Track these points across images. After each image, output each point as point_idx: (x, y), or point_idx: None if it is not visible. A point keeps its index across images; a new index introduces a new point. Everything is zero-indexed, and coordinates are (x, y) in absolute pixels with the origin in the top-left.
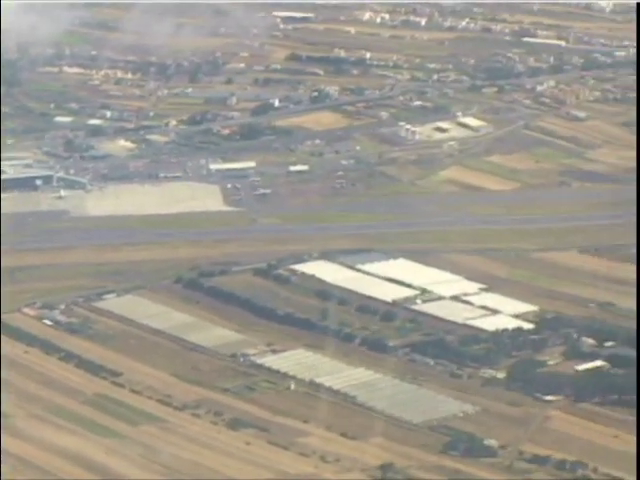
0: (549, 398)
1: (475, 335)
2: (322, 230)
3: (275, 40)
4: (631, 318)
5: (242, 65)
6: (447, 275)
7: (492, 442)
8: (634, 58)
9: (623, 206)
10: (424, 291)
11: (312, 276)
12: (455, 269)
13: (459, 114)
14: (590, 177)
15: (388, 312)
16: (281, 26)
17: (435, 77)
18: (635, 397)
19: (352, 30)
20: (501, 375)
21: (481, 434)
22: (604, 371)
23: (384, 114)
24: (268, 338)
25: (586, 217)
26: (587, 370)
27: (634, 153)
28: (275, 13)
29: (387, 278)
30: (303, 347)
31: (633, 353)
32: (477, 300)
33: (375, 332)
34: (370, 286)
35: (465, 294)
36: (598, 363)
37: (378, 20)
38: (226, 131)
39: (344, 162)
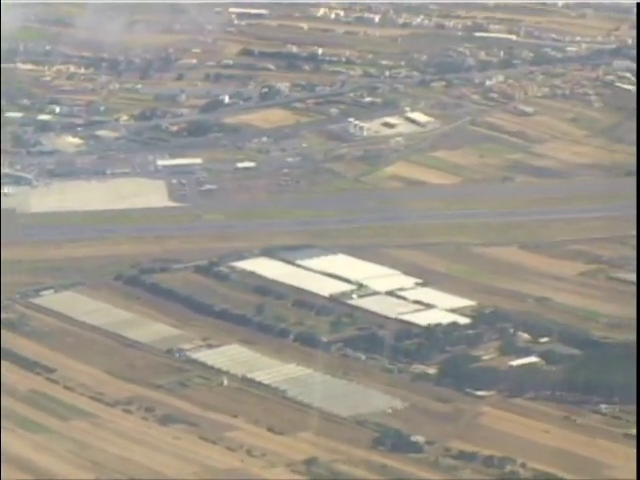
0: (481, 394)
1: (408, 330)
2: (265, 226)
3: (229, 36)
4: (568, 313)
5: (194, 61)
6: (385, 270)
7: (419, 438)
8: (585, 53)
9: (566, 202)
10: (360, 286)
11: (252, 273)
12: (393, 264)
13: (407, 109)
14: (535, 172)
15: (324, 307)
16: (235, 22)
17: (387, 73)
18: (566, 392)
19: (305, 26)
20: (432, 370)
21: (408, 430)
22: (538, 367)
23: (334, 110)
24: (204, 333)
25: (528, 212)
26: (521, 366)
27: (581, 148)
28: (231, 9)
29: (325, 273)
30: (238, 342)
31: (567, 349)
32: (412, 295)
33: (310, 327)
34: (308, 281)
35: (401, 289)
36: (532, 359)
37: (332, 16)
38: (175, 128)
39: (290, 159)
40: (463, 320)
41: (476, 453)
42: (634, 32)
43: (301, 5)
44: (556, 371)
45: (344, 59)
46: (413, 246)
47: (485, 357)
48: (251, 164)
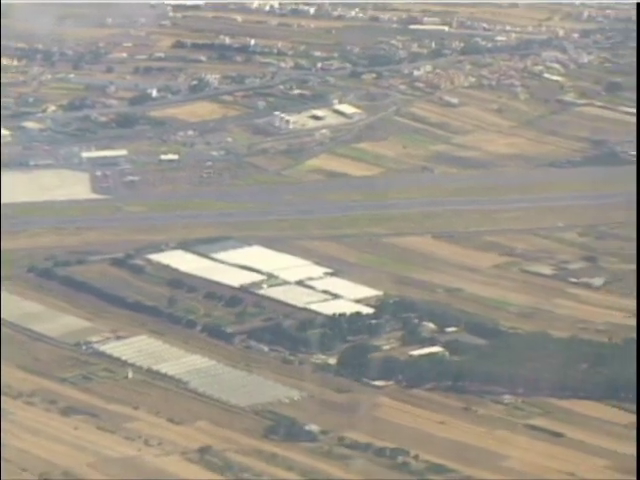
0: (379, 384)
1: (312, 320)
2: (185, 218)
3: (162, 29)
4: (478, 304)
5: (125, 54)
6: (297, 260)
7: (313, 427)
8: (514, 43)
9: (485, 193)
10: (271, 276)
11: (167, 266)
12: (306, 255)
13: (335, 101)
14: (455, 163)
15: (234, 298)
16: (170, 14)
17: (319, 65)
18: (468, 383)
19: (239, 18)
20: (333, 361)
21: (303, 420)
22: (439, 357)
23: (261, 104)
24: (114, 325)
25: (445, 203)
26: (422, 356)
27: (503, 139)
28: (166, 2)
29: (239, 265)
30: (146, 334)
31: (472, 339)
32: (321, 285)
33: (217, 318)
34: (221, 273)
35: (310, 279)
36: (434, 349)
37: (267, 8)
38: (103, 119)
39: (214, 153)
40: (367, 310)
41: (369, 443)
42: (565, 23)
43: None
44: (459, 361)
45: (276, 51)
46: (327, 237)
47: (386, 347)
48: (175, 157)
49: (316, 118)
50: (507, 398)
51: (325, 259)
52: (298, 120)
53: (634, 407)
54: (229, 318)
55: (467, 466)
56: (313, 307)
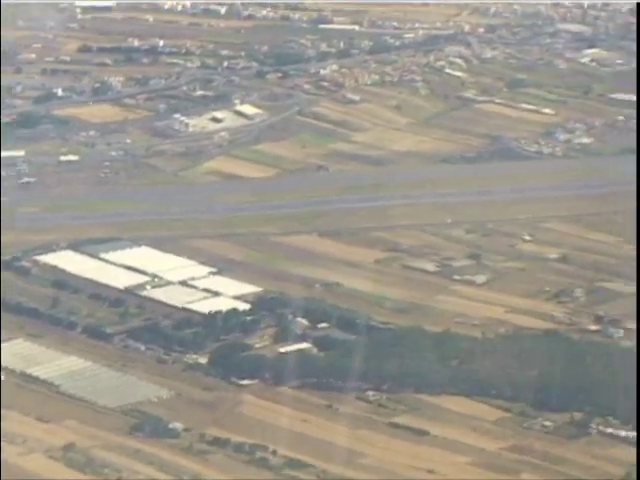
0: (245, 382)
1: (189, 319)
2: (78, 219)
3: (71, 32)
4: (355, 299)
5: (33, 56)
6: (182, 261)
7: (177, 425)
8: (421, 40)
9: (377, 190)
10: (155, 277)
11: (54, 267)
12: (192, 255)
13: (237, 102)
14: (351, 160)
15: (117, 299)
16: (79, 17)
17: (225, 64)
18: (334, 379)
19: (151, 18)
20: (204, 359)
21: (168, 418)
22: (307, 354)
23: (162, 106)
24: None
25: (336, 201)
26: (290, 353)
27: (400, 136)
28: (76, 4)
29: (126, 266)
30: (24, 337)
31: (343, 335)
32: (203, 284)
33: (99, 319)
34: (107, 274)
35: (193, 278)
36: (303, 345)
37: (179, 8)
38: (6, 119)
39: (113, 153)
40: (244, 306)
41: (229, 439)
42: (473, 18)
43: None
44: (326, 358)
45: (184, 51)
46: (217, 237)
47: (258, 345)
48: (74, 157)
49: (216, 120)
50: (372, 395)
51: (212, 258)
52: (198, 123)
53: (503, 403)
54: (111, 319)
55: (324, 462)
56: (192, 306)
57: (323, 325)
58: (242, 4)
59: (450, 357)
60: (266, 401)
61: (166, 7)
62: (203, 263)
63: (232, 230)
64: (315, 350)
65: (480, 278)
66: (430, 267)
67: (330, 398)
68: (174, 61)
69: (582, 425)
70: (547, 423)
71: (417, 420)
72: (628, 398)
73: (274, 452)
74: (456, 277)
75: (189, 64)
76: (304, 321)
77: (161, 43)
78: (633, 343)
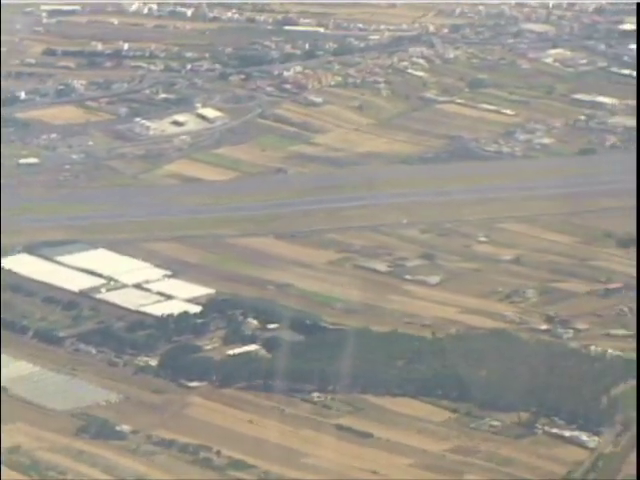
0: (193, 384)
1: (142, 321)
2: (36, 222)
3: (36, 35)
4: (306, 299)
5: None
6: (138, 263)
7: (124, 427)
8: (386, 41)
9: (334, 191)
10: (111, 280)
11: (9, 270)
12: (149, 257)
13: (199, 105)
14: (311, 162)
15: (71, 302)
16: (44, 20)
17: (189, 67)
18: (280, 381)
19: (116, 21)
20: (154, 362)
21: (116, 420)
22: (255, 355)
23: (124, 109)
24: None
25: (292, 203)
26: (238, 355)
27: (360, 137)
28: (42, 7)
29: (82, 269)
30: None
31: (292, 336)
32: (157, 286)
33: (52, 323)
34: (62, 277)
35: (148, 281)
36: (251, 347)
37: (145, 10)
38: None
39: (74, 156)
40: (196, 309)
41: (174, 440)
42: (438, 19)
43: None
44: (274, 359)
45: (148, 53)
46: (174, 239)
47: (208, 347)
48: (35, 160)
49: (177, 124)
50: (317, 396)
51: (167, 261)
52: (159, 126)
53: (450, 404)
54: (64, 322)
55: (267, 462)
56: (145, 309)
57: (273, 326)
58: (208, 6)
59: (397, 358)
60: (213, 402)
61: (132, 10)
62: (159, 266)
63: (189, 232)
64: (263, 351)
65: (433, 278)
66: (382, 267)
67: (276, 399)
68: (138, 64)
69: (528, 425)
70: (494, 423)
71: (361, 421)
72: (573, 398)
73: (218, 453)
74: (408, 277)
75: (152, 67)
76: (254, 322)
77: (125, 46)
78: (581, 343)
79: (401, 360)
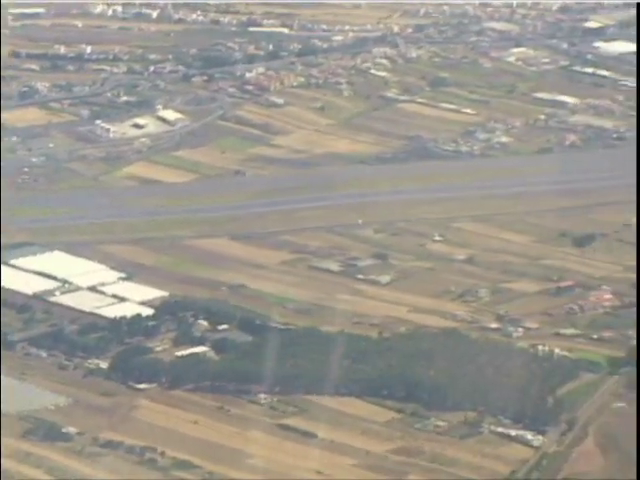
0: (142, 386)
1: (95, 324)
2: None
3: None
4: (259, 300)
5: None
6: (94, 265)
7: (71, 429)
8: (350, 42)
9: (290, 192)
10: (65, 282)
11: None
12: (104, 259)
13: (159, 108)
14: (269, 164)
15: (24, 306)
16: (10, 24)
17: (152, 69)
18: (227, 382)
19: (80, 24)
20: (105, 365)
21: (63, 423)
22: (204, 357)
23: (86, 112)
24: None
25: (249, 205)
26: (186, 356)
27: (321, 138)
28: (10, 10)
29: (36, 272)
30: None
31: (242, 337)
32: (112, 289)
33: (4, 326)
34: (17, 280)
35: (103, 284)
36: (199, 348)
37: (110, 12)
38: None
39: (34, 159)
40: (148, 311)
41: (121, 442)
42: (403, 19)
43: (78, 1)
44: (222, 360)
45: (112, 56)
46: (131, 241)
47: (159, 348)
48: None
49: (137, 126)
50: (263, 397)
51: (122, 263)
52: (119, 129)
53: (395, 404)
54: (16, 325)
55: (212, 463)
56: (99, 311)
57: (223, 327)
58: (173, 7)
59: (343, 358)
60: (160, 404)
61: (96, 12)
62: (114, 268)
63: (146, 234)
64: (212, 353)
65: (384, 278)
66: (335, 267)
67: (222, 400)
68: (101, 67)
69: (474, 425)
70: (440, 423)
71: (306, 422)
72: (520, 397)
73: (163, 454)
74: (360, 277)
75: (115, 70)
76: (205, 324)
77: (88, 49)
78: (530, 343)
79: (347, 360)
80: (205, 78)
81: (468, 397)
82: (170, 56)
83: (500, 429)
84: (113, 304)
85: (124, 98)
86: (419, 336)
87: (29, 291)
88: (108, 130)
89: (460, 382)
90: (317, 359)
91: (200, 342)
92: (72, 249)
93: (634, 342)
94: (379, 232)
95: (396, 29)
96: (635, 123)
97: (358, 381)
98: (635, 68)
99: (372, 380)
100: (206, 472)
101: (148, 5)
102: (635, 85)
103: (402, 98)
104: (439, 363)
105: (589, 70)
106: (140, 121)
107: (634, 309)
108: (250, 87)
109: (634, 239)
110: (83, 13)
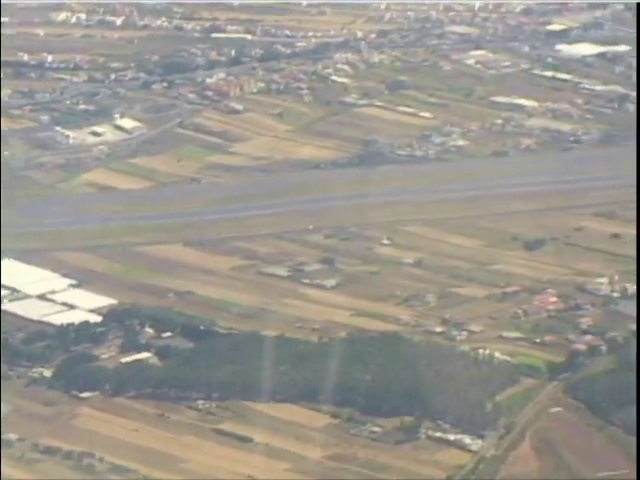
0: (85, 395)
1: (42, 332)
2: None
3: None
4: (205, 305)
5: None
6: (45, 273)
7: (11, 436)
8: (312, 47)
9: (242, 199)
10: (14, 291)
11: None
12: (56, 267)
13: (117, 116)
14: (225, 172)
15: None
16: None
17: (113, 77)
18: (167, 389)
19: (42, 32)
20: (48, 373)
21: (4, 430)
22: (146, 363)
23: (45, 118)
24: None
25: (203, 212)
26: (130, 363)
27: (278, 144)
28: None
29: None
30: None
31: (185, 343)
32: (62, 297)
33: None
34: None
35: (53, 291)
36: (142, 355)
37: (73, 20)
38: None
39: None
40: (96, 319)
41: (60, 448)
42: (367, 25)
43: (42, 10)
44: (163, 367)
45: (72, 65)
46: (83, 248)
47: (105, 356)
48: None
49: (95, 134)
50: (201, 403)
51: (75, 270)
52: (78, 136)
53: (332, 409)
54: None
55: (147, 468)
56: (47, 319)
57: (167, 334)
58: (138, 14)
59: (282, 362)
60: (102, 412)
61: (59, 20)
62: (65, 275)
63: (99, 242)
64: (155, 359)
65: (330, 282)
66: (283, 272)
67: (163, 407)
68: (61, 76)
69: (411, 430)
70: (375, 429)
71: (242, 427)
72: (459, 401)
73: (101, 459)
74: (306, 281)
75: (75, 79)
76: (150, 331)
77: (49, 58)
78: (472, 346)
79: (285, 365)
80: (165, 85)
81: (406, 402)
82: (132, 64)
83: (438, 434)
84: (62, 312)
85: (82, 106)
86: (359, 340)
87: None
88: (68, 136)
89: (399, 386)
90: (256, 364)
91: (145, 349)
92: (24, 257)
93: (574, 346)
94: (329, 237)
95: (360, 34)
96: (593, 126)
97: (295, 386)
98: (597, 70)
99: (309, 385)
100: (141, 476)
101: (113, 12)
102: (596, 88)
103: (361, 102)
104: (377, 367)
105: (549, 73)
106: (98, 129)
107: (578, 312)
108: (210, 93)
109: (584, 243)
110: (46, 21)
